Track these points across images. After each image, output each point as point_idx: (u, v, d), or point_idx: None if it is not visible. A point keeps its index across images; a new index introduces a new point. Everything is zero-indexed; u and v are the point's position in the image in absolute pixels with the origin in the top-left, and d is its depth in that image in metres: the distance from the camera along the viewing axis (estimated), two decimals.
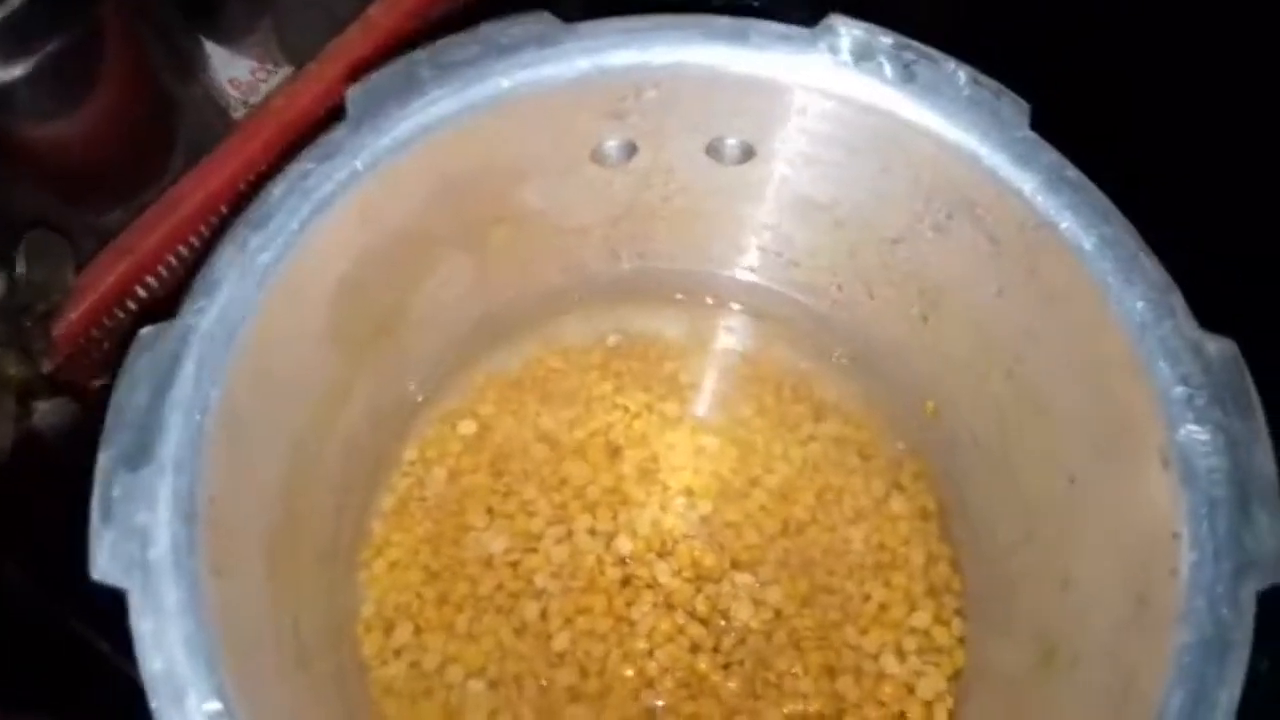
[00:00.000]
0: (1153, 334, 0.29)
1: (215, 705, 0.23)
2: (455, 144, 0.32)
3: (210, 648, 0.24)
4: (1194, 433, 0.27)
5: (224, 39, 0.52)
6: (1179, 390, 0.28)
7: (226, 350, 0.27)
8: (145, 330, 0.27)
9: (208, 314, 0.27)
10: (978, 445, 0.38)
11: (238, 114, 0.51)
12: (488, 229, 0.38)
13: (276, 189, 0.29)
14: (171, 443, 0.25)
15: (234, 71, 0.52)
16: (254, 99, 0.51)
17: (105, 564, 0.24)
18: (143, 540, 0.24)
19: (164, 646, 0.23)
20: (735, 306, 0.45)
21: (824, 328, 0.44)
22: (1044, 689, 0.32)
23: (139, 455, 0.25)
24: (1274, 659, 0.34)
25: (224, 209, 0.41)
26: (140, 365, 0.26)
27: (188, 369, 0.26)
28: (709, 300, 0.46)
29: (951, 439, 0.40)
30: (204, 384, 0.26)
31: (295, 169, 0.29)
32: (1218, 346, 0.28)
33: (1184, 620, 0.26)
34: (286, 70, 0.52)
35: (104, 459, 0.25)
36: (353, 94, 0.30)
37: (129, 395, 0.26)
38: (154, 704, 0.23)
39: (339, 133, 0.30)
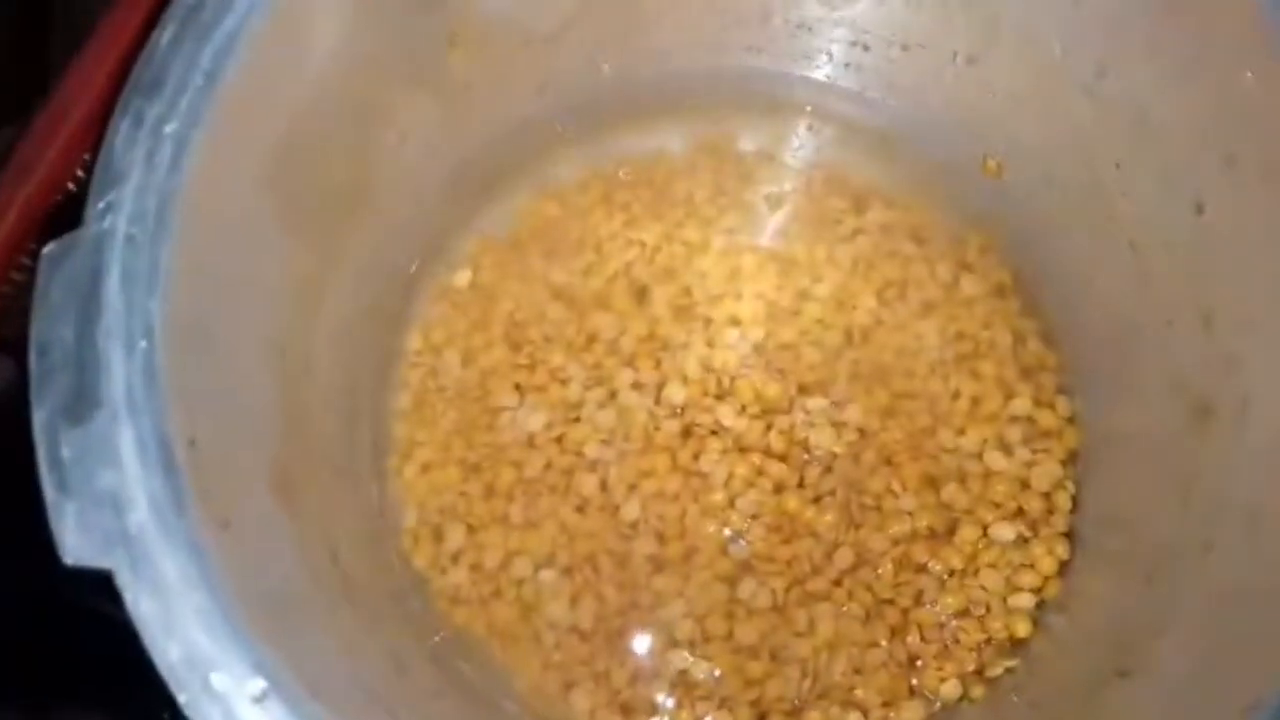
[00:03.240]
0: None
1: (259, 683, 0.18)
2: None
3: (234, 617, 0.19)
4: None
5: None
6: None
7: (154, 253, 0.21)
8: (50, 248, 0.21)
9: (119, 212, 0.21)
10: (1056, 188, 0.33)
11: None
12: (442, 54, 0.31)
13: (164, 35, 0.22)
14: (117, 380, 0.20)
15: None
16: None
17: (76, 543, 0.19)
18: (115, 506, 0.19)
19: (176, 629, 0.19)
20: (742, 101, 0.39)
21: (851, 103, 0.37)
22: (1202, 452, 0.27)
23: (81, 403, 0.20)
24: None
25: None
26: (55, 292, 0.20)
27: (112, 285, 0.20)
28: (710, 100, 0.39)
29: (1021, 193, 0.35)
30: (137, 300, 0.20)
31: (181, 2, 0.22)
32: None
33: None
34: None
35: (40, 416, 0.20)
36: None
37: (50, 330, 0.20)
38: (182, 698, 0.18)
39: None
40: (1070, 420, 0.35)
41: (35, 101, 0.38)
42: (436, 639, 0.33)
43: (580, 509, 0.35)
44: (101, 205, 0.21)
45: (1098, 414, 0.34)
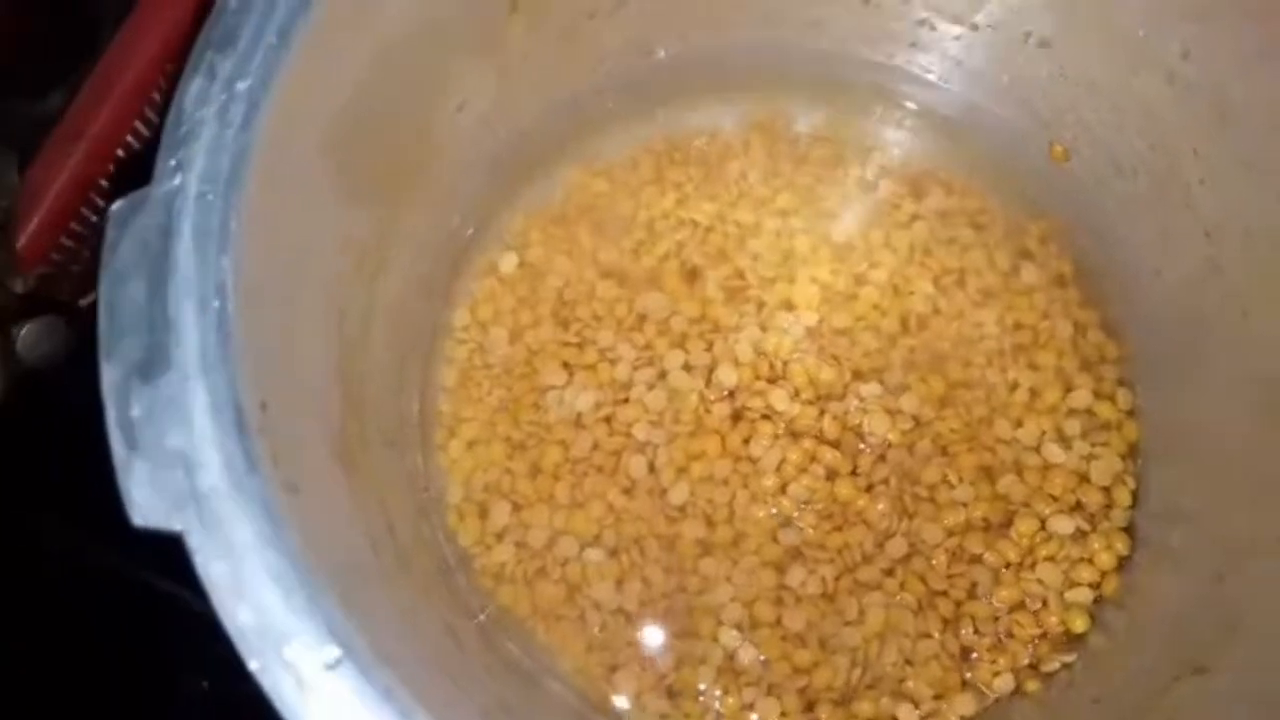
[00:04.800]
0: None
1: (333, 650, 0.18)
2: None
3: (307, 582, 0.18)
4: None
5: None
6: None
7: (226, 211, 0.20)
8: (118, 205, 0.20)
9: (190, 169, 0.20)
10: (1126, 175, 0.32)
11: None
12: (503, 22, 0.30)
13: None
14: (191, 340, 0.19)
15: None
16: None
17: (146, 503, 0.19)
18: (187, 466, 0.19)
19: (249, 593, 0.18)
20: (800, 81, 0.38)
21: (914, 84, 0.36)
22: (1277, 447, 0.26)
23: (153, 362, 0.19)
24: None
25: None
26: (125, 249, 0.20)
27: (184, 244, 0.20)
28: (767, 79, 0.38)
29: (1088, 180, 0.34)
30: (209, 259, 0.20)
31: None
32: None
33: None
34: None
35: (109, 373, 0.19)
36: None
37: (119, 289, 0.20)
38: (253, 663, 0.18)
39: None
40: (1131, 413, 0.34)
41: (83, 65, 0.38)
42: (481, 617, 0.33)
43: (628, 490, 0.35)
44: (173, 162, 0.20)
45: (1161, 407, 0.33)
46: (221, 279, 0.20)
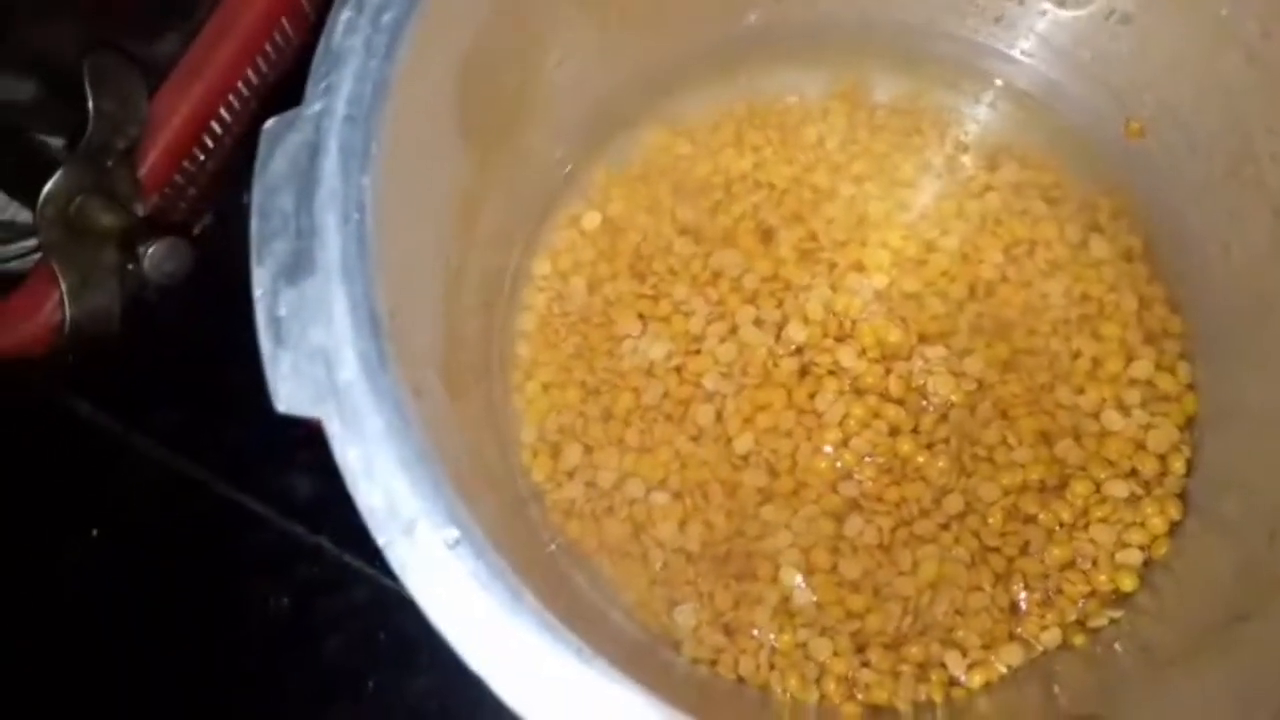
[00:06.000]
0: None
1: (453, 532, 0.20)
2: None
3: (433, 472, 0.20)
4: None
5: None
6: None
7: (368, 134, 0.22)
8: (270, 123, 0.22)
9: (338, 93, 0.22)
10: (1200, 153, 0.33)
11: None
12: None
13: None
14: (333, 247, 0.21)
15: None
16: None
17: (289, 393, 0.21)
18: (327, 361, 0.21)
19: (379, 477, 0.20)
20: (883, 52, 0.39)
21: (996, 59, 0.37)
22: None
23: (299, 266, 0.21)
24: None
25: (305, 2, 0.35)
26: (276, 163, 0.22)
27: (330, 161, 0.22)
28: (851, 48, 0.39)
29: (1162, 157, 0.35)
30: (353, 176, 0.22)
31: None
32: None
33: None
34: None
35: (260, 274, 0.21)
36: None
37: (271, 199, 0.22)
38: (381, 539, 0.20)
39: None
40: (1190, 387, 0.35)
41: (197, 11, 0.40)
42: (552, 547, 0.35)
43: (695, 438, 0.36)
44: (322, 86, 0.22)
45: (1221, 383, 0.34)
46: (362, 196, 0.22)
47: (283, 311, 0.21)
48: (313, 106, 0.22)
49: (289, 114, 0.22)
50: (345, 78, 0.22)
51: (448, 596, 0.20)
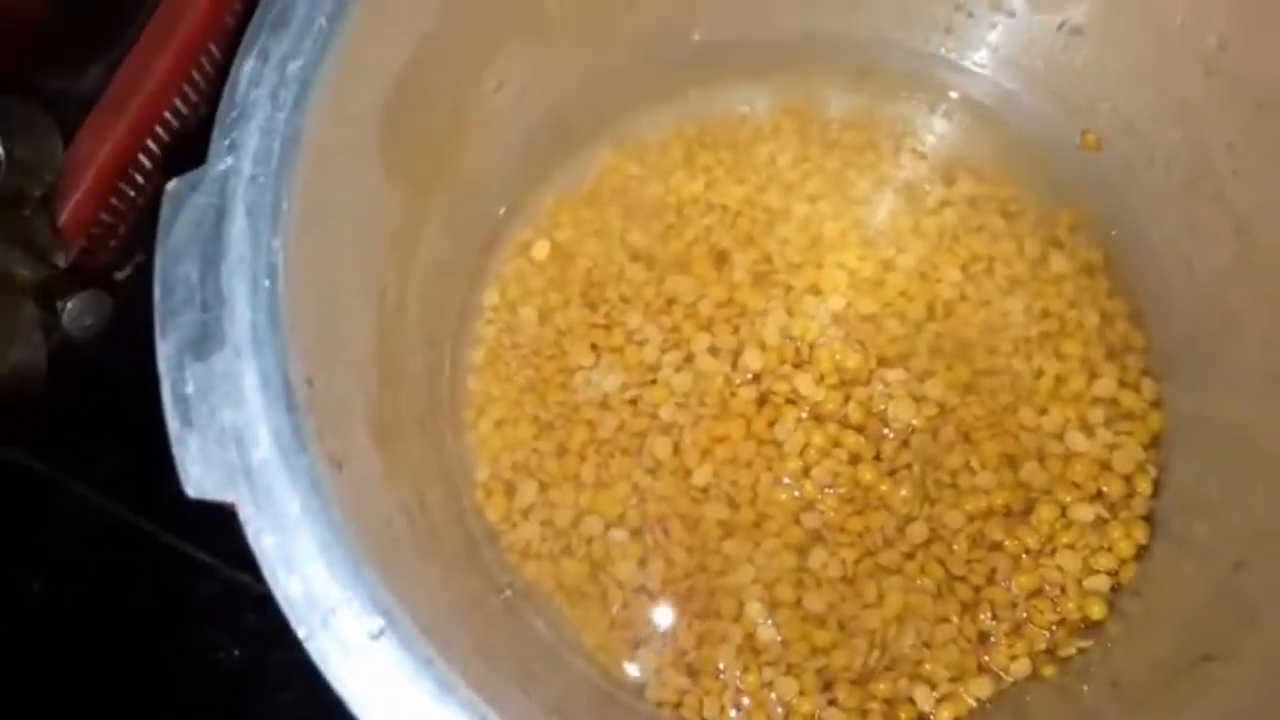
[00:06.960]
0: None
1: (377, 621, 0.19)
2: None
3: (353, 555, 0.19)
4: None
5: None
6: None
7: (277, 193, 0.21)
8: (173, 184, 0.21)
9: (244, 150, 0.21)
10: (1158, 166, 0.32)
11: None
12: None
13: None
14: (243, 319, 0.20)
15: None
16: None
17: (200, 476, 0.19)
18: (238, 441, 0.19)
19: (296, 564, 0.19)
20: (832, 65, 0.38)
21: (948, 70, 0.37)
22: None
23: (206, 339, 0.20)
24: None
25: (230, 21, 0.34)
26: (179, 228, 0.20)
27: (238, 225, 0.20)
28: (800, 63, 0.38)
29: (1119, 170, 0.34)
30: (262, 240, 0.20)
31: None
32: None
33: None
34: None
35: (164, 349, 0.20)
36: None
37: (174, 268, 0.20)
38: (301, 631, 0.19)
39: None
40: (1155, 404, 0.34)
41: (121, 40, 0.38)
42: (508, 592, 0.34)
43: (652, 471, 0.35)
44: (226, 143, 0.21)
45: (1186, 398, 0.33)
46: (273, 259, 0.20)
47: (190, 389, 0.20)
48: (217, 166, 0.21)
49: (193, 174, 0.21)
50: (251, 133, 0.21)
51: (371, 689, 0.18)
